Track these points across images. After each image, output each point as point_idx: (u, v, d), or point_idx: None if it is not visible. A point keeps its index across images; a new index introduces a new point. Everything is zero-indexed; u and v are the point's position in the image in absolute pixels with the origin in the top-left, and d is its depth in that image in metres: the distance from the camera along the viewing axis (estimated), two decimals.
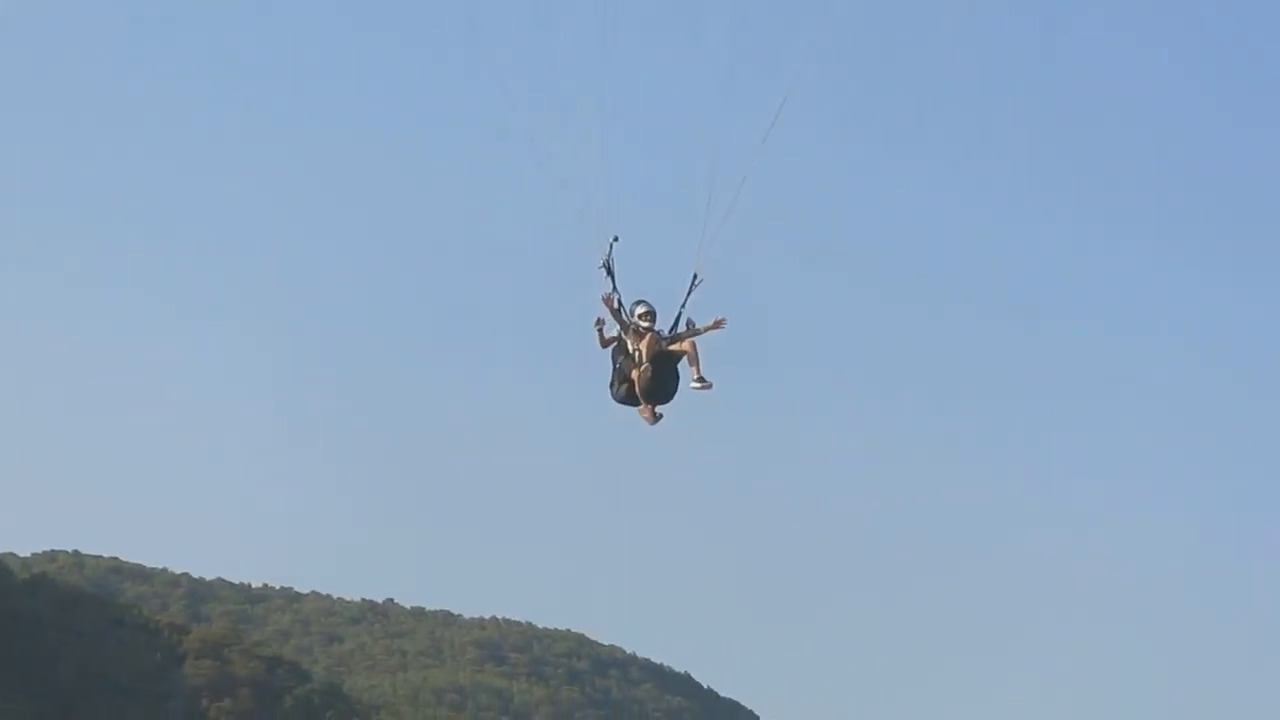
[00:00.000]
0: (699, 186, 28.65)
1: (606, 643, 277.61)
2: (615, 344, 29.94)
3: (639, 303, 29.94)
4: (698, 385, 29.20)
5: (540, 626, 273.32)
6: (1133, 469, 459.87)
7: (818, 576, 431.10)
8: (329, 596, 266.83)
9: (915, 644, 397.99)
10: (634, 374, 29.09)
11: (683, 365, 29.49)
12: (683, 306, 29.77)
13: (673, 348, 29.36)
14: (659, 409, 29.21)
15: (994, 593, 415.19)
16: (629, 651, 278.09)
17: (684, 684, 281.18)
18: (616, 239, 29.51)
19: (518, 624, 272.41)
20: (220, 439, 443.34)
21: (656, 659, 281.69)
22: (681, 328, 29.75)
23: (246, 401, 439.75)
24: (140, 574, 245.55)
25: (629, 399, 29.38)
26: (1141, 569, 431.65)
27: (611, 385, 29.58)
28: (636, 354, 29.19)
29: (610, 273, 29.75)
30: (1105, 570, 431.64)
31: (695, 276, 29.47)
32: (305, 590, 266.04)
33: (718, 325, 29.54)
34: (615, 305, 29.86)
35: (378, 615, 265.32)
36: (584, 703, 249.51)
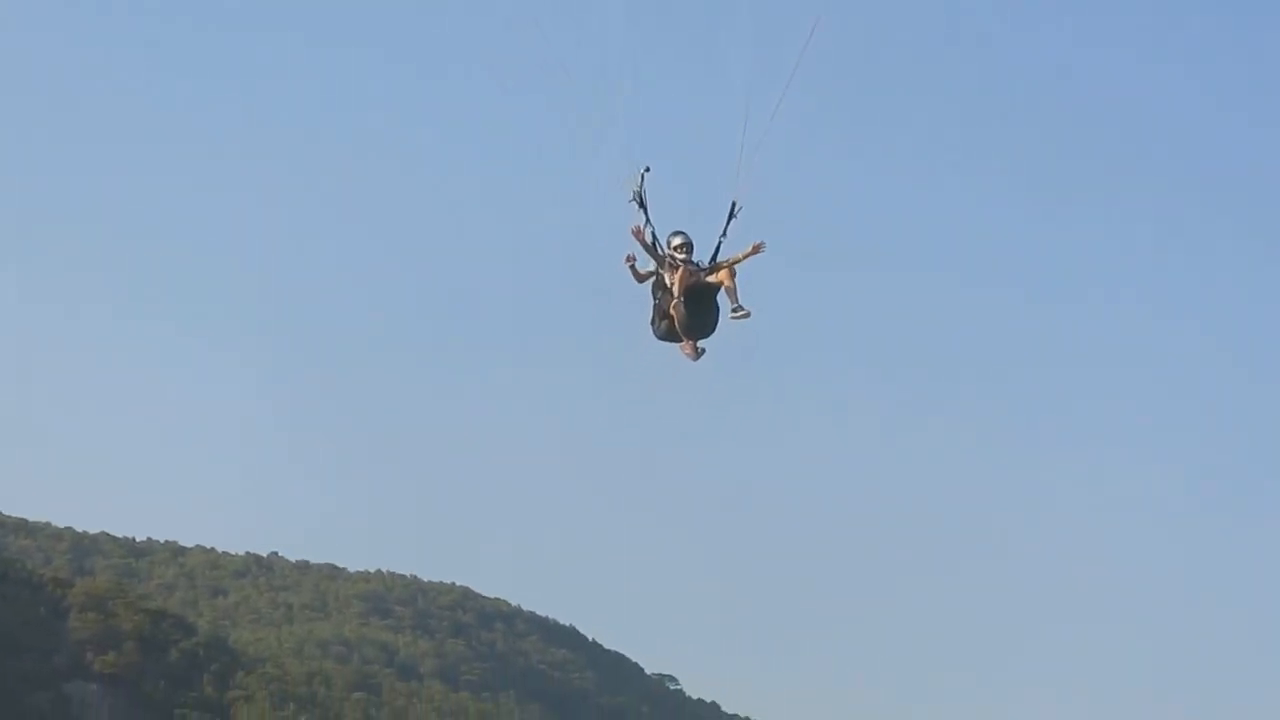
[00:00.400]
0: (735, 115, 27.23)
1: (491, 595, 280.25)
2: (654, 279, 28.53)
3: (675, 234, 28.51)
4: (737, 315, 27.90)
5: (425, 580, 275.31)
6: (1139, 465, 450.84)
7: (706, 527, 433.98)
8: (214, 550, 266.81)
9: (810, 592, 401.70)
10: (671, 309, 27.88)
11: (723, 297, 28.11)
12: (722, 236, 28.32)
13: (710, 279, 28.02)
14: (700, 344, 27.96)
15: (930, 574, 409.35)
16: (514, 604, 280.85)
17: (569, 637, 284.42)
18: (648, 169, 27.97)
19: (403, 577, 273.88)
20: (100, 391, 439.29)
21: (542, 612, 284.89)
22: (721, 259, 28.34)
23: (127, 354, 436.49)
24: (24, 528, 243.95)
25: (670, 335, 28.07)
26: (1145, 566, 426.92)
27: (652, 322, 28.26)
28: (673, 288, 27.91)
29: (643, 205, 28.22)
30: (1111, 570, 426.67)
31: (734, 205, 27.96)
32: (190, 544, 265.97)
33: (757, 250, 28.19)
34: (649, 239, 28.43)
35: (263, 569, 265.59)
36: (469, 655, 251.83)
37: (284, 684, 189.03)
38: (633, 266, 28.59)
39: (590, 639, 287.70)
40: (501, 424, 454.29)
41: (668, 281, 28.02)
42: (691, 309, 27.75)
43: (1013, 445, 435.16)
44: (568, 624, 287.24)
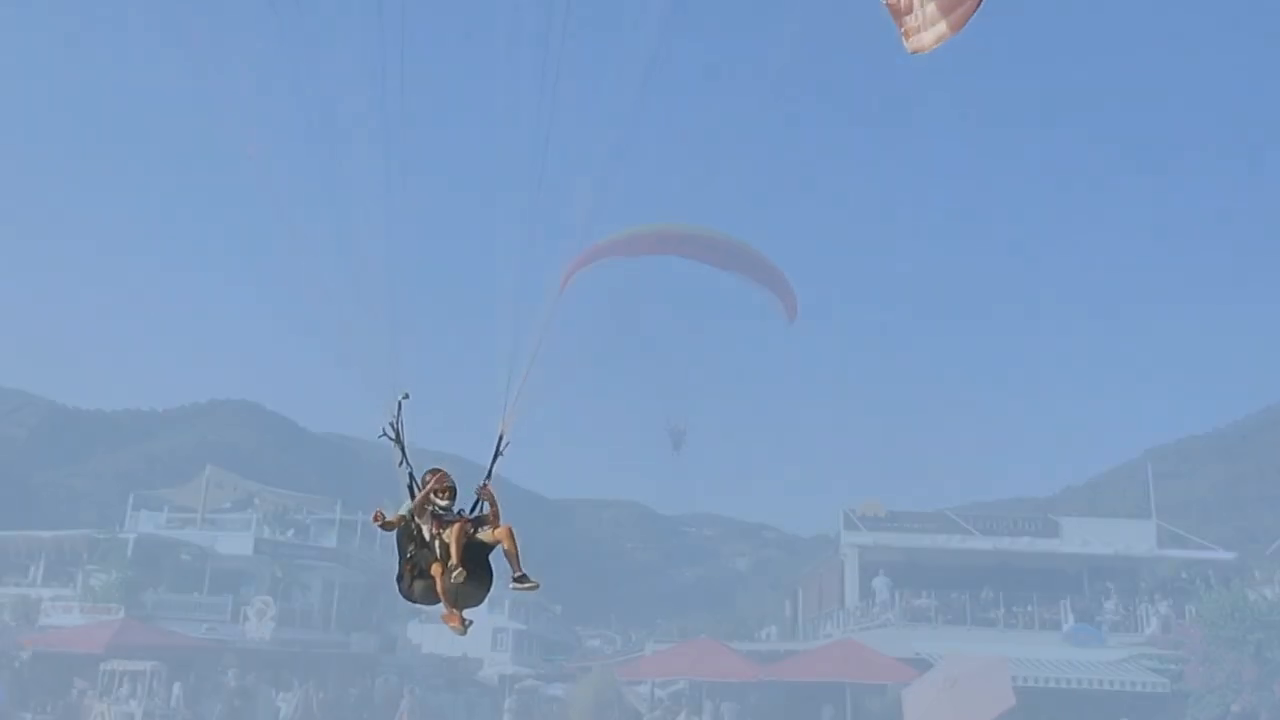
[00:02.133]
0: (496, 326, 21.52)
1: None
2: (400, 526, 22.69)
3: (433, 472, 22.30)
4: (522, 586, 21.97)
5: None
6: None
7: None
8: None
9: None
10: (435, 570, 22.51)
11: (498, 558, 22.40)
12: (487, 478, 22.75)
13: (484, 536, 22.51)
14: (469, 615, 22.23)
15: None
16: None
17: None
18: (406, 396, 22.36)
19: None
20: None
21: None
22: (486, 508, 22.43)
23: None
24: None
25: (426, 598, 22.39)
26: None
27: (400, 580, 22.57)
28: (436, 543, 22.72)
29: (398, 439, 22.28)
30: None
31: (501, 439, 22.91)
32: None
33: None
34: (419, 480, 22.51)
35: None
36: None
37: None
38: (381, 510, 22.33)
39: None
40: None
41: (428, 534, 22.79)
42: (467, 574, 22.43)
43: None
44: None
